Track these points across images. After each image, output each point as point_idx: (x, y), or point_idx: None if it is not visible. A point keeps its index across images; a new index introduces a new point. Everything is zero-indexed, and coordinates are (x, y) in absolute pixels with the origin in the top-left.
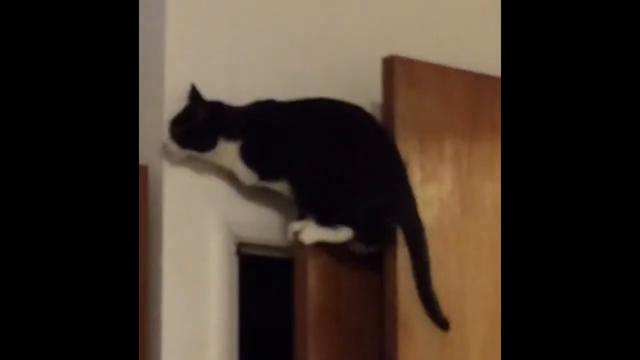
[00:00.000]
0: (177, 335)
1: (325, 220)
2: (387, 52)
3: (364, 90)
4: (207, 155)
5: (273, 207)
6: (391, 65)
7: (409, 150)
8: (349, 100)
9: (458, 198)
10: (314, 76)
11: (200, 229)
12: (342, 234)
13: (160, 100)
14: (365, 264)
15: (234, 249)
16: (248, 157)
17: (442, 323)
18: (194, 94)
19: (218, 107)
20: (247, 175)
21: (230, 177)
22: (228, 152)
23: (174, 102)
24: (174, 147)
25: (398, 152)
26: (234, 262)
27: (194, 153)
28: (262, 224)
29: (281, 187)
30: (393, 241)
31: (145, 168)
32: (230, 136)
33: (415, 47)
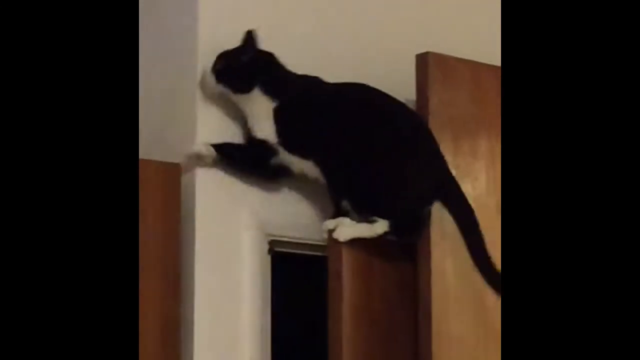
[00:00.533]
0: (209, 333)
1: (362, 208)
2: (421, 48)
3: (397, 87)
4: (238, 99)
5: (306, 204)
6: (425, 62)
7: (442, 147)
8: None
9: (492, 196)
10: (347, 72)
11: (232, 227)
12: (377, 228)
13: (193, 100)
14: (399, 262)
15: (266, 247)
16: (281, 121)
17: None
18: (249, 38)
19: (267, 57)
20: (274, 138)
21: (262, 176)
22: (260, 107)
23: (207, 102)
24: (210, 80)
25: (434, 138)
26: (267, 260)
27: (226, 91)
28: (294, 221)
29: (306, 167)
30: (427, 240)
31: (178, 166)
32: (268, 91)
33: (449, 44)
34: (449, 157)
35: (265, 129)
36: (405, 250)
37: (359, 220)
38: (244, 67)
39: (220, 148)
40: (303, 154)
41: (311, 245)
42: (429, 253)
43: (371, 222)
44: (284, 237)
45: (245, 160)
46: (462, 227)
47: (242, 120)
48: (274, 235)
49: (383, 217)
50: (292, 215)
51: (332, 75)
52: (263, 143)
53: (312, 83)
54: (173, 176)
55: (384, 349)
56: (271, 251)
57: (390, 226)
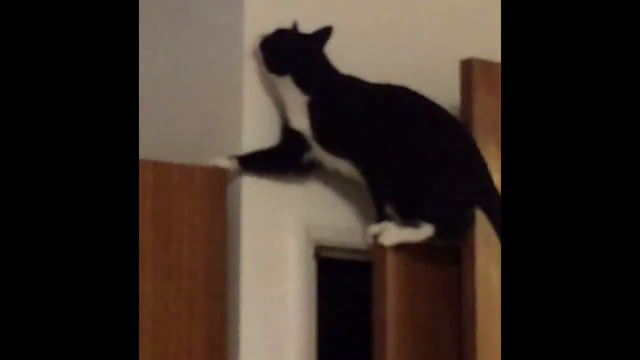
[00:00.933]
0: (255, 338)
1: (406, 213)
2: (466, 54)
3: (442, 93)
4: (275, 82)
5: (351, 209)
6: (469, 68)
7: (487, 154)
8: None
9: None
10: (389, 76)
11: (278, 232)
12: (423, 232)
13: (240, 104)
14: (444, 267)
15: (312, 251)
16: (316, 116)
17: None
18: (295, 29)
19: (310, 48)
20: (309, 132)
21: (307, 181)
22: (292, 98)
23: (252, 107)
24: (256, 47)
25: (476, 143)
26: (312, 265)
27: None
28: (340, 226)
29: (343, 167)
30: (472, 245)
31: (224, 171)
32: (298, 82)
33: (494, 50)
34: (493, 163)
35: (300, 121)
36: (450, 255)
37: (404, 225)
38: (282, 48)
39: (244, 161)
40: (340, 153)
41: (357, 250)
42: (473, 258)
43: (416, 226)
44: (330, 242)
45: (274, 161)
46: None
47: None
48: (320, 241)
49: (428, 221)
50: (337, 220)
51: (373, 78)
52: (298, 135)
53: (352, 82)
54: (219, 182)
55: (428, 354)
56: (317, 256)
57: (435, 230)
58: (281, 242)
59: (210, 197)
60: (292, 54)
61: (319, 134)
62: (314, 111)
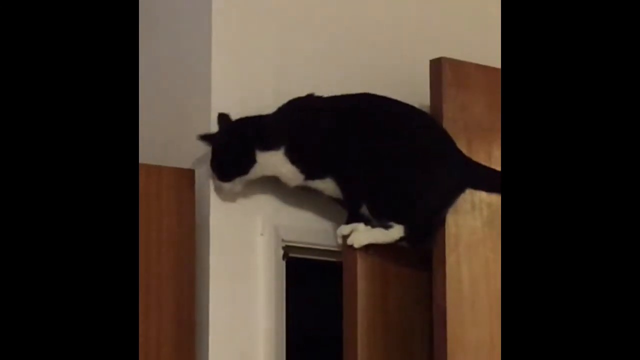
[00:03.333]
0: (224, 339)
1: (379, 213)
2: (435, 53)
3: (411, 93)
4: (253, 173)
5: (320, 210)
6: (439, 67)
7: None
8: None
9: None
10: (361, 78)
11: (247, 233)
12: (393, 233)
13: (207, 105)
14: (415, 268)
15: (281, 252)
16: (295, 159)
17: None
18: (221, 121)
19: (246, 124)
20: (293, 177)
21: (276, 181)
22: (272, 161)
23: (220, 107)
24: (225, 186)
25: (452, 139)
26: (281, 265)
27: (244, 178)
28: (309, 227)
29: (326, 185)
30: (442, 247)
31: (192, 172)
32: (269, 146)
33: (463, 49)
34: None
35: (287, 172)
36: (420, 256)
37: (374, 226)
38: (232, 149)
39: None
40: (321, 176)
41: (326, 251)
42: (444, 259)
43: (387, 227)
44: (299, 242)
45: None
46: None
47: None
48: (289, 241)
49: (400, 222)
50: (306, 220)
51: (346, 83)
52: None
53: (307, 108)
54: (187, 183)
55: (399, 355)
56: (286, 257)
57: (405, 231)
58: (250, 242)
59: (178, 198)
60: (243, 142)
61: (301, 169)
62: (293, 154)
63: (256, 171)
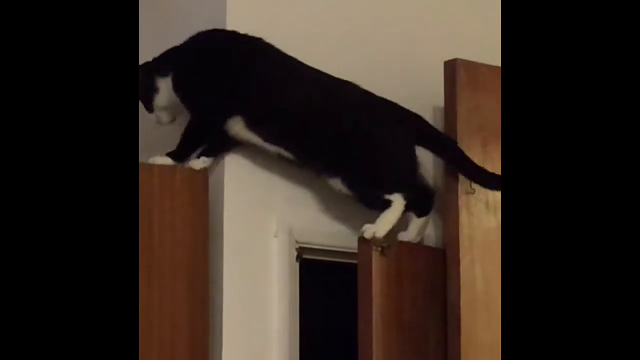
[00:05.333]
0: (238, 340)
1: (370, 192)
2: (450, 55)
3: (426, 94)
4: (160, 100)
5: (334, 212)
6: (453, 68)
7: (471, 153)
8: (411, 103)
9: None
10: (374, 75)
11: (261, 234)
12: (397, 205)
13: None
14: (429, 269)
15: (295, 253)
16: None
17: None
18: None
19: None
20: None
21: (291, 183)
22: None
23: None
24: (152, 117)
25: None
26: (295, 267)
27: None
28: (323, 228)
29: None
30: (455, 247)
31: (206, 173)
32: (164, 73)
33: (478, 50)
34: (478, 163)
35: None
36: (435, 257)
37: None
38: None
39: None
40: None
41: (339, 252)
42: (458, 260)
43: (387, 204)
44: (313, 244)
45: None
46: (448, 158)
47: None
48: (303, 243)
49: (391, 191)
50: (320, 222)
51: (359, 79)
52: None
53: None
54: (201, 184)
55: (413, 356)
56: (299, 258)
57: (404, 197)
58: (264, 244)
59: (191, 198)
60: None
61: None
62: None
63: (160, 98)
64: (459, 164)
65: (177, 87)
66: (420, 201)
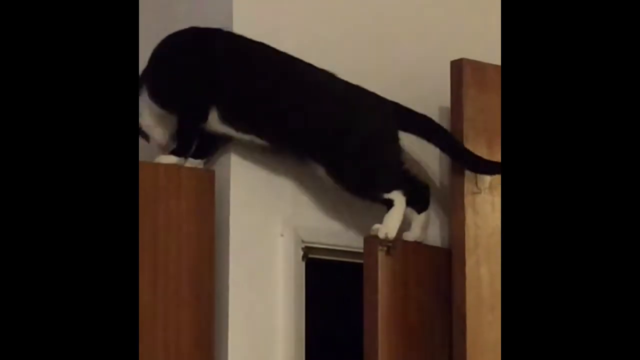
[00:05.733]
0: (243, 339)
1: (371, 192)
2: (456, 55)
3: (432, 94)
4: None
5: (340, 211)
6: (460, 68)
7: (477, 153)
8: (418, 103)
9: None
10: (379, 73)
11: (267, 234)
12: (398, 202)
13: None
14: (435, 270)
15: (300, 253)
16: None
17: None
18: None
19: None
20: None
21: (297, 182)
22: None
23: None
24: None
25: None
26: (301, 266)
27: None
28: (328, 228)
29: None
30: (461, 248)
31: (212, 173)
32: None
33: (485, 50)
34: None
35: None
36: (440, 257)
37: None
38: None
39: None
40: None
41: (345, 251)
42: (463, 261)
43: (388, 202)
44: (319, 243)
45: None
46: (435, 142)
47: None
48: (309, 242)
49: (389, 189)
50: (326, 221)
51: (364, 77)
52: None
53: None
54: (207, 183)
55: (419, 356)
56: (305, 258)
57: (403, 192)
58: (270, 243)
59: (197, 198)
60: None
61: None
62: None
63: (144, 117)
64: (438, 142)
65: (152, 95)
66: (418, 196)
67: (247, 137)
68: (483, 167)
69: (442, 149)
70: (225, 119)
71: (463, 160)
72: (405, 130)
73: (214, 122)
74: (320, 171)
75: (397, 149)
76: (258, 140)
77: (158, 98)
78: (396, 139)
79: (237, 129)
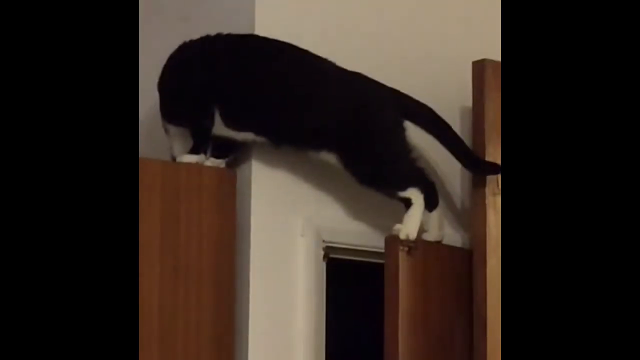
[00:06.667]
0: (264, 339)
1: (389, 189)
2: (478, 55)
3: (454, 94)
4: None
5: (361, 211)
6: (482, 69)
7: (499, 155)
8: (440, 104)
9: None
10: (402, 72)
11: (288, 233)
12: (417, 200)
13: None
14: (456, 269)
15: (321, 253)
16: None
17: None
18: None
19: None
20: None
21: (317, 182)
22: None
23: None
24: None
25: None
26: (322, 266)
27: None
28: (349, 228)
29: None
30: (483, 249)
31: (234, 173)
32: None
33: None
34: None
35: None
36: (461, 257)
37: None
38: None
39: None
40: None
41: (366, 251)
42: (484, 261)
43: (407, 202)
44: (339, 243)
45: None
46: (436, 134)
47: None
48: (329, 242)
49: (405, 187)
50: (347, 221)
51: (386, 81)
52: None
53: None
54: (228, 182)
55: (439, 356)
56: (326, 258)
57: (419, 189)
58: (291, 243)
59: (218, 197)
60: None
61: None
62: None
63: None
64: (442, 137)
65: (164, 115)
66: (428, 193)
67: (249, 135)
68: (483, 167)
69: (442, 142)
70: (227, 118)
71: (462, 158)
72: (407, 119)
73: (219, 125)
74: (334, 161)
75: (407, 143)
76: (260, 139)
77: (166, 116)
78: (402, 130)
79: (240, 129)
